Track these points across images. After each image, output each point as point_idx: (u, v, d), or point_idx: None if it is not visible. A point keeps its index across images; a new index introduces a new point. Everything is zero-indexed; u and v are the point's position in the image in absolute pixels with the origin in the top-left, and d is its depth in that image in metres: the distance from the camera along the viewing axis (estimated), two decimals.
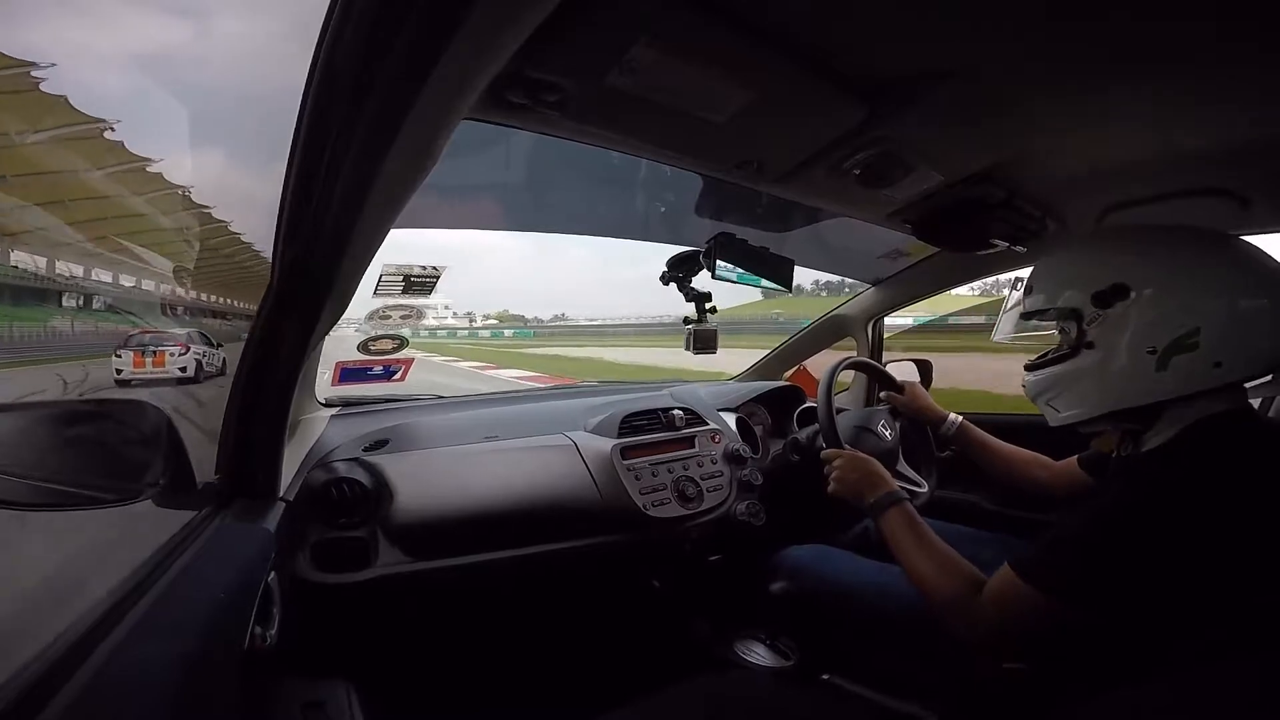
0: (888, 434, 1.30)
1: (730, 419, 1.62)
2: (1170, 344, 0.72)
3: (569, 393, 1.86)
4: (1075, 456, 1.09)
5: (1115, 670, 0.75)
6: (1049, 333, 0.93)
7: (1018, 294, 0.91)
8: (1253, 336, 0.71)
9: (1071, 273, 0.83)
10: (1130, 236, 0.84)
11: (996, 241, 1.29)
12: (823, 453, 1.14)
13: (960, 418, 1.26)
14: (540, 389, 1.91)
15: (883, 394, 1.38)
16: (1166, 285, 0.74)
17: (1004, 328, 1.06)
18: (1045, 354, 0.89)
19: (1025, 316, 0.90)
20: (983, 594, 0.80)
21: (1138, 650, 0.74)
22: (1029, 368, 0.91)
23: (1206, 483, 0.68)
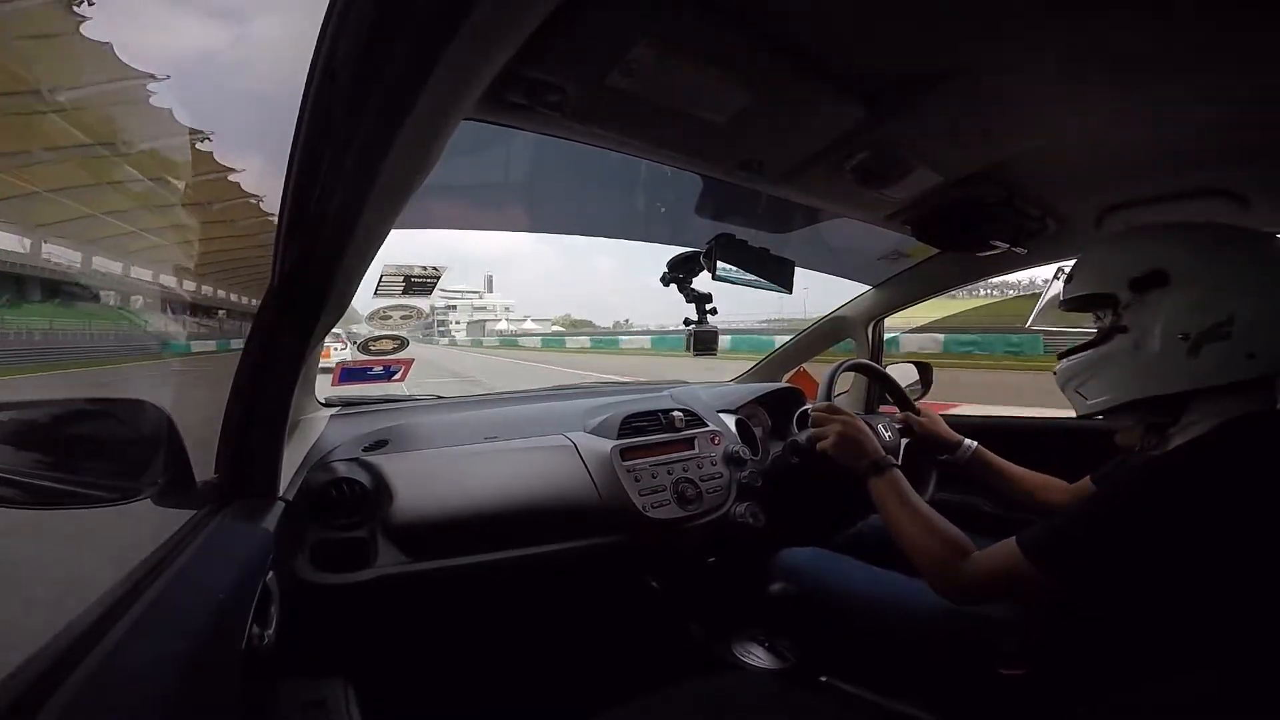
0: (887, 435, 1.30)
1: (730, 420, 1.62)
2: (1204, 331, 0.72)
3: (569, 393, 1.86)
4: (1088, 476, 1.07)
5: (1114, 673, 0.75)
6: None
7: (1059, 283, 0.91)
8: None
9: (1111, 261, 0.83)
10: (1170, 228, 0.84)
11: (996, 242, 1.29)
12: (814, 409, 1.13)
13: (975, 443, 1.23)
14: (540, 390, 1.91)
15: (900, 414, 1.37)
16: (1203, 273, 0.74)
17: (1039, 317, 1.06)
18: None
19: (1063, 305, 0.90)
20: (974, 557, 0.81)
21: (1137, 652, 0.74)
22: (1062, 356, 0.91)
23: (1230, 483, 0.68)
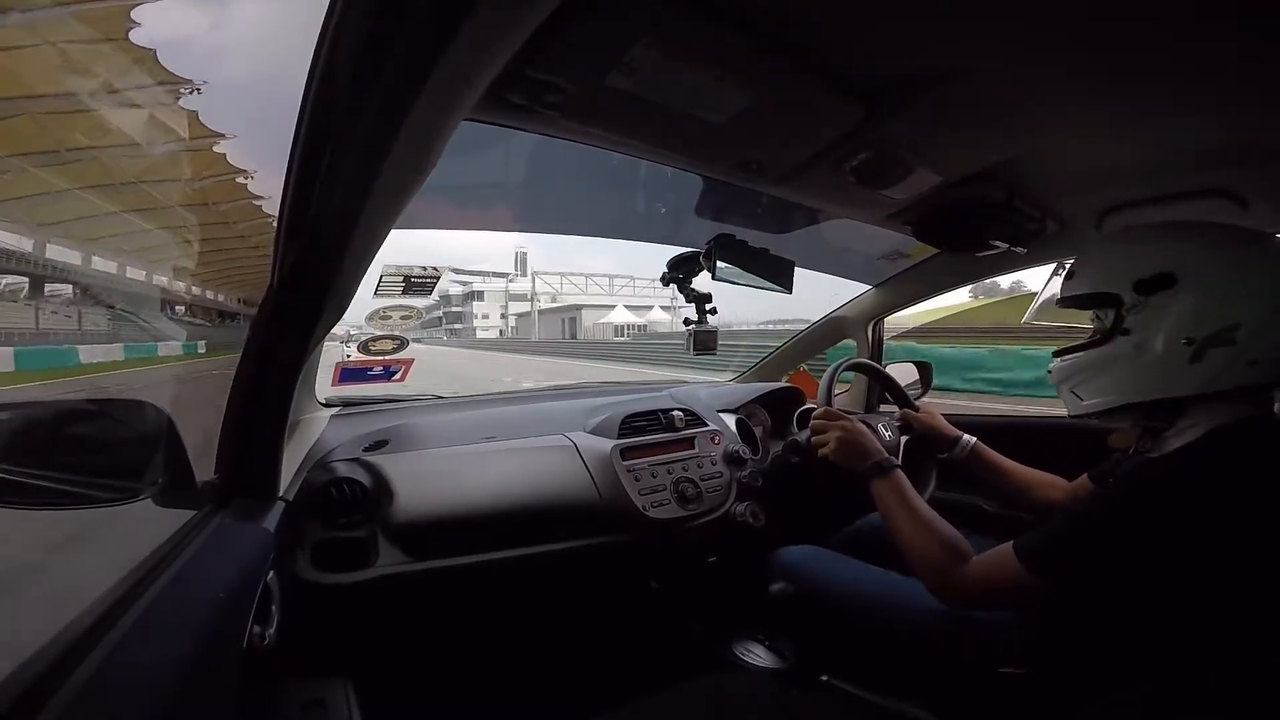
0: (887, 435, 1.30)
1: (730, 420, 1.62)
2: (1208, 336, 0.72)
3: (569, 393, 1.86)
4: (1086, 474, 1.07)
5: (1113, 672, 0.75)
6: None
7: (1058, 279, 0.91)
8: None
9: (1116, 260, 0.82)
10: (1177, 229, 0.83)
11: (996, 242, 1.29)
12: (814, 416, 1.13)
13: (974, 439, 1.24)
14: (540, 390, 1.91)
15: (899, 411, 1.37)
16: (1212, 278, 0.73)
17: (1037, 313, 1.06)
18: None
19: (1062, 302, 0.89)
20: (971, 563, 0.81)
21: (1136, 653, 0.74)
22: (1058, 354, 0.91)
23: (1224, 488, 0.68)
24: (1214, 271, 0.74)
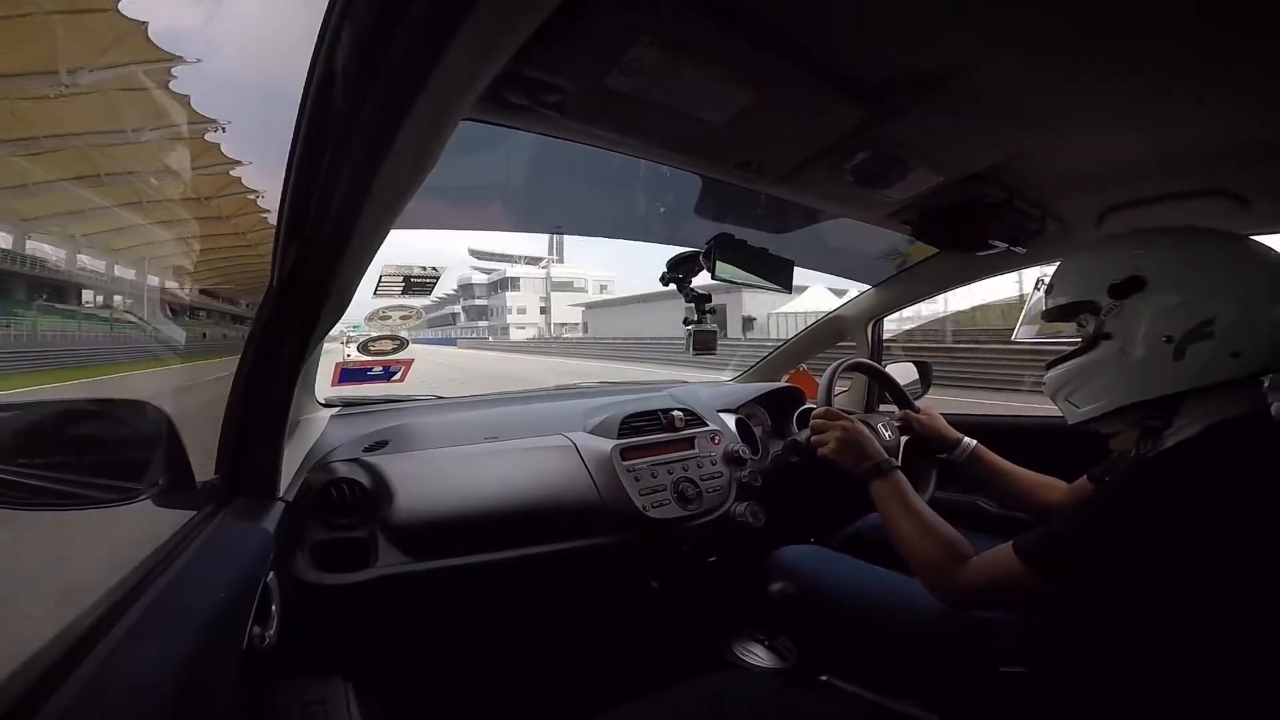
0: (887, 435, 1.30)
1: (730, 420, 1.62)
2: (1187, 333, 0.73)
3: (569, 393, 1.86)
4: (1086, 475, 1.07)
5: (1115, 672, 0.75)
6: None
7: (1040, 294, 0.92)
8: (1267, 325, 0.72)
9: (1088, 269, 0.84)
10: (1144, 233, 0.86)
11: (996, 242, 1.29)
12: (814, 415, 1.13)
13: (974, 442, 1.24)
14: (541, 390, 1.91)
15: (900, 412, 1.37)
16: (1179, 276, 0.75)
17: (1025, 329, 1.07)
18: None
19: (1046, 316, 0.91)
20: (971, 563, 0.82)
21: (1137, 653, 0.74)
22: (1049, 365, 0.92)
23: (1219, 486, 0.68)
24: (1178, 272, 0.76)
